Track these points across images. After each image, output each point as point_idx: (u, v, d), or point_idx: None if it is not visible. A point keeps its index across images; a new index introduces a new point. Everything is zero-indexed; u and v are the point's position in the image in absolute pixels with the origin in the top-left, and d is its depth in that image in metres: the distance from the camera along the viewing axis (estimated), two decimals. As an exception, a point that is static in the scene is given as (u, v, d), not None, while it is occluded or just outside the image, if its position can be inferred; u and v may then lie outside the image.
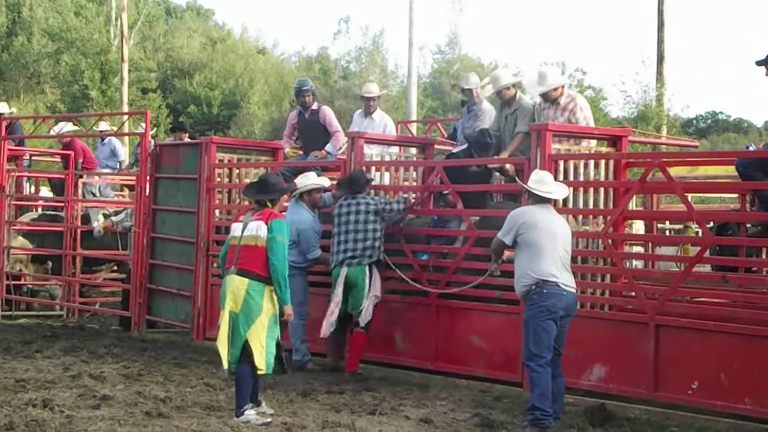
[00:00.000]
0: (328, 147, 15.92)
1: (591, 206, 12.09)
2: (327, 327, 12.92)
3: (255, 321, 9.98)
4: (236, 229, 10.36)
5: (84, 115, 30.03)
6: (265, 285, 10.08)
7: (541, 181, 10.36)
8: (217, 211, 15.89)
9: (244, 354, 10.00)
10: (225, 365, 10.20)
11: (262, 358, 9.97)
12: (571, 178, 11.90)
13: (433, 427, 10.19)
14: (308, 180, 13.86)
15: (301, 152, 16.60)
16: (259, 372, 10.03)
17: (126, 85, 44.25)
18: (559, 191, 10.70)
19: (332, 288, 13.00)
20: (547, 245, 10.00)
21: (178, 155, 16.79)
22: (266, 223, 10.12)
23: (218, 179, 15.98)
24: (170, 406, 10.64)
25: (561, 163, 11.97)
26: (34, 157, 22.77)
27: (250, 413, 10.03)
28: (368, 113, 16.11)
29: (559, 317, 10.01)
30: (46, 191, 22.10)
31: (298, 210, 13.72)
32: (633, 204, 13.07)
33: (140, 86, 56.34)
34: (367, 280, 12.93)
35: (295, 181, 13.78)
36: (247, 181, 15.85)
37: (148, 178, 16.88)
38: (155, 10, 69.14)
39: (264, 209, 10.36)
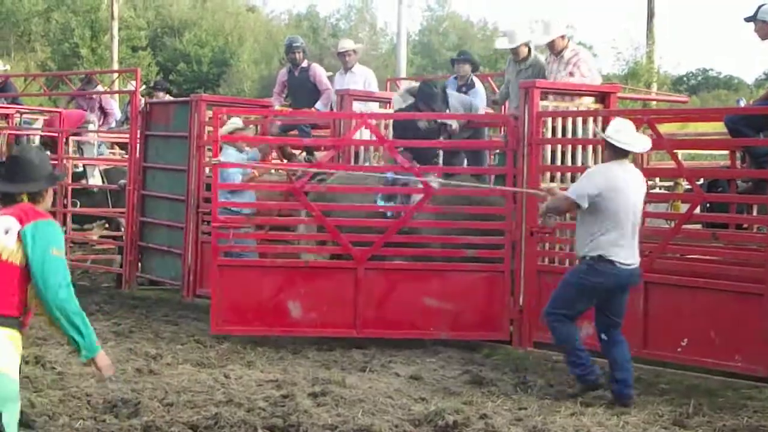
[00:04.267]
0: (318, 105, 15.88)
1: (580, 164, 12.08)
2: None
3: None
4: None
5: (74, 73, 29.86)
6: (10, 329, 5.93)
7: (618, 131, 9.42)
8: (207, 169, 15.86)
9: None
10: None
11: None
12: (559, 135, 11.87)
13: (423, 384, 10.21)
14: (229, 125, 13.51)
15: (290, 110, 16.59)
16: None
17: (116, 43, 44.06)
18: (639, 144, 9.61)
19: None
20: (619, 216, 9.29)
21: (168, 113, 16.73)
22: (21, 225, 5.95)
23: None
24: (161, 363, 10.69)
25: (549, 121, 11.95)
26: (24, 115, 22.66)
27: None
28: (347, 69, 16.14)
29: (611, 294, 9.52)
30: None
31: (225, 153, 13.25)
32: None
33: (130, 44, 56.11)
34: None
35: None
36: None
37: (138, 135, 16.86)
38: (144, -33, 68.79)
39: (16, 204, 6.13)
